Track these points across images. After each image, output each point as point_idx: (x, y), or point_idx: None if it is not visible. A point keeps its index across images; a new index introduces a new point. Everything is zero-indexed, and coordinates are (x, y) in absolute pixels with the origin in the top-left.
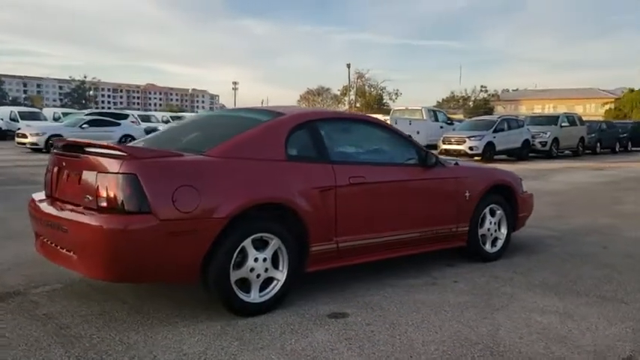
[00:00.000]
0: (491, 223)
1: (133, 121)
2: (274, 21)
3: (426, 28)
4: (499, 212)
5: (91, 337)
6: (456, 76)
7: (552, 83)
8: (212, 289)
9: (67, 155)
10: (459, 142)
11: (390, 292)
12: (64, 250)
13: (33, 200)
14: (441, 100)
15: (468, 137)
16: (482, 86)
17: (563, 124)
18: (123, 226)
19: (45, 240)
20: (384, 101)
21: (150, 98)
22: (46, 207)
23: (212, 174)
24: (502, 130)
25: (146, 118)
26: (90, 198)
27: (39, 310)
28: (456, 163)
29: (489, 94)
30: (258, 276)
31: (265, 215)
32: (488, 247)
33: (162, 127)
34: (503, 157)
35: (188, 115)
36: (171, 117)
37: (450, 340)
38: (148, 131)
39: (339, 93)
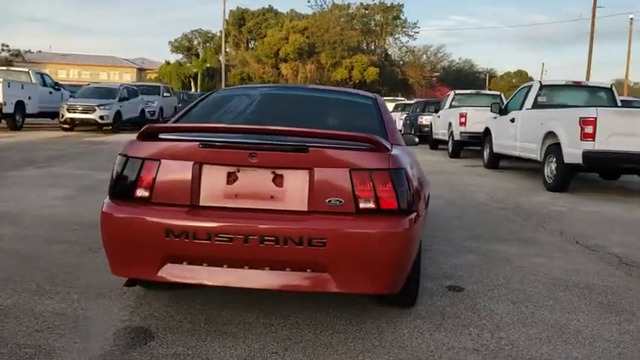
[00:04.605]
0: None
1: None
2: None
3: None
4: None
5: None
6: None
7: (68, 47)
8: (411, 284)
9: (257, 148)
10: (87, 111)
11: (428, 263)
12: (289, 270)
13: (132, 215)
14: None
15: (98, 106)
16: (3, 44)
17: (165, 95)
18: (405, 228)
19: (224, 265)
20: None
21: None
22: (214, 219)
23: (415, 165)
24: (126, 99)
25: None
26: (340, 201)
27: None
28: None
29: (12, 54)
30: None
31: None
32: None
33: None
34: (129, 126)
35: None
36: None
37: (572, 286)
38: None
39: None
